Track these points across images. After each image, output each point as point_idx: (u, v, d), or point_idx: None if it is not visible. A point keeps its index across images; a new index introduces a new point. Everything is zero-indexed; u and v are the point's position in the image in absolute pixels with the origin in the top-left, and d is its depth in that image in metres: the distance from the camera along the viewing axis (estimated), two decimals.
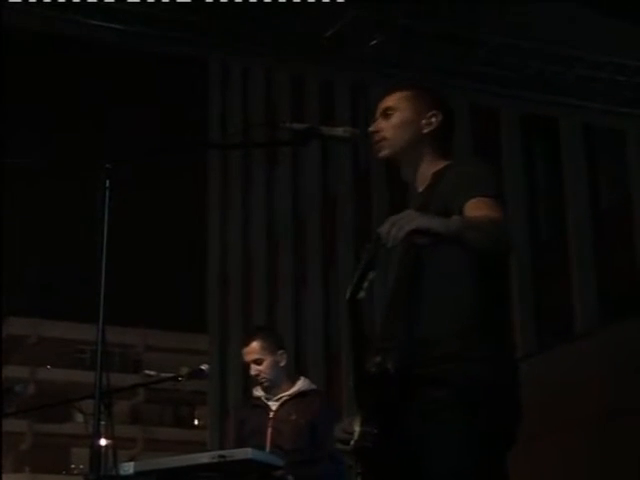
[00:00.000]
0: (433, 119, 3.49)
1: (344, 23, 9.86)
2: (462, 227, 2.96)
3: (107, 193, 3.54)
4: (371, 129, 3.50)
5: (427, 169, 3.46)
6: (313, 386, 5.83)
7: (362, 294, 3.01)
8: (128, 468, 4.93)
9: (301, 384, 5.74)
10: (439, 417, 3.13)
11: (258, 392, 5.78)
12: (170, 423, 55.18)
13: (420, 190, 3.46)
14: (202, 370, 5.72)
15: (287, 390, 5.70)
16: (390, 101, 3.53)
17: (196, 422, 54.76)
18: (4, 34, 9.93)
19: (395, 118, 3.48)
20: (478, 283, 3.23)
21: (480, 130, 20.25)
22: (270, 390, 5.71)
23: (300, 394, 5.69)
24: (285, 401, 5.67)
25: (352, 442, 3.15)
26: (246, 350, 5.74)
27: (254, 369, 5.69)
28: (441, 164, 3.45)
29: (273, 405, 5.68)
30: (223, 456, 4.85)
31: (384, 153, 3.48)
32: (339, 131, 3.48)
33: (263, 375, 5.67)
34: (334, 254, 25.42)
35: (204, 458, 4.95)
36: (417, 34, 10.08)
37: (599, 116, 11.75)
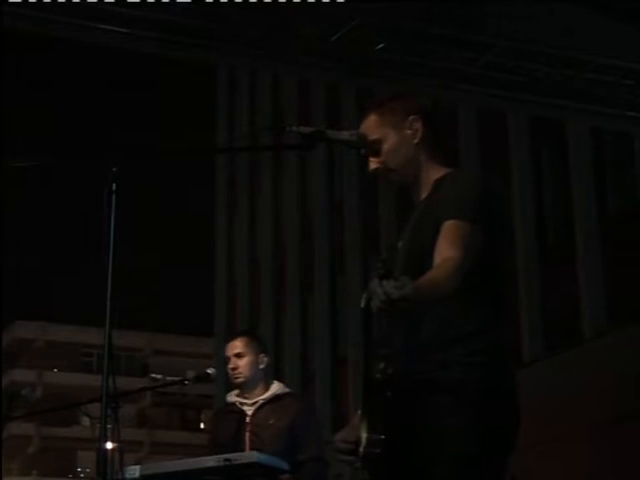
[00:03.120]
0: (415, 125, 3.47)
1: (350, 27, 9.86)
2: (418, 297, 2.91)
3: (114, 196, 3.54)
4: (371, 171, 3.53)
5: (428, 176, 3.45)
6: (287, 389, 5.82)
7: None
8: (134, 471, 4.94)
9: (276, 388, 5.75)
10: (444, 422, 3.14)
11: (232, 398, 5.78)
12: (176, 426, 55.21)
13: (422, 197, 3.46)
14: (208, 374, 5.73)
15: (262, 394, 5.69)
16: (369, 135, 3.49)
17: (202, 426, 54.75)
18: (8, 35, 9.95)
19: (384, 148, 3.47)
20: (477, 290, 3.24)
21: (488, 135, 20.23)
22: (243, 388, 5.72)
23: (275, 397, 5.69)
24: (261, 405, 5.66)
25: (360, 449, 3.15)
26: (230, 344, 5.79)
27: (233, 362, 5.71)
28: (442, 171, 3.44)
29: (249, 410, 5.67)
30: (228, 460, 4.86)
31: (397, 181, 3.50)
32: (345, 135, 3.47)
33: (240, 370, 5.69)
34: (341, 259, 25.43)
35: (210, 461, 4.96)
36: (424, 38, 10.07)
37: (606, 120, 11.73)
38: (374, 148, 3.48)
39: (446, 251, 3.14)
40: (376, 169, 3.50)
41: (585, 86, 10.64)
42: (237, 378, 5.70)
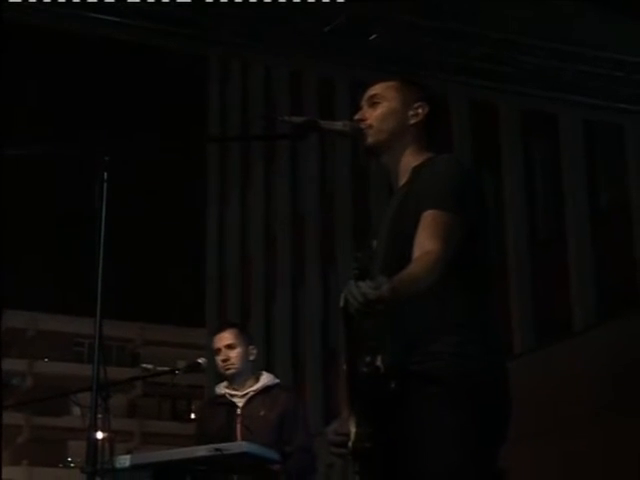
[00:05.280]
0: (419, 110, 3.47)
1: (343, 18, 9.85)
2: (396, 295, 2.91)
3: (105, 186, 3.54)
4: (357, 117, 3.47)
5: (409, 162, 3.43)
6: (277, 380, 5.81)
7: None
8: (125, 461, 4.93)
9: (265, 379, 5.74)
10: (432, 414, 3.14)
11: (221, 389, 5.77)
12: (167, 417, 55.22)
13: (400, 184, 3.43)
14: (199, 364, 5.72)
15: (252, 386, 5.68)
16: (377, 89, 3.51)
17: (193, 416, 54.76)
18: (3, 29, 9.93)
19: (381, 107, 3.46)
20: (467, 279, 3.23)
21: (479, 128, 20.24)
22: (233, 380, 5.70)
23: (266, 389, 5.69)
24: (252, 397, 5.65)
25: (349, 443, 3.14)
26: (220, 335, 5.77)
27: (224, 353, 5.69)
28: (422, 157, 3.42)
29: (239, 401, 5.66)
30: (219, 449, 4.87)
31: (368, 141, 3.45)
32: (338, 125, 3.47)
33: (232, 361, 5.67)
34: (332, 251, 25.42)
35: (200, 451, 4.97)
36: (416, 29, 10.07)
37: (597, 112, 11.74)
38: (373, 102, 3.47)
39: (426, 242, 3.11)
40: (360, 120, 3.45)
41: (576, 78, 10.64)
42: (229, 369, 5.68)
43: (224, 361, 5.68)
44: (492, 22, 10.07)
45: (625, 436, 12.26)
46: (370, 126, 3.44)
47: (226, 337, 5.74)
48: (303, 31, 10.08)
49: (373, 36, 10.08)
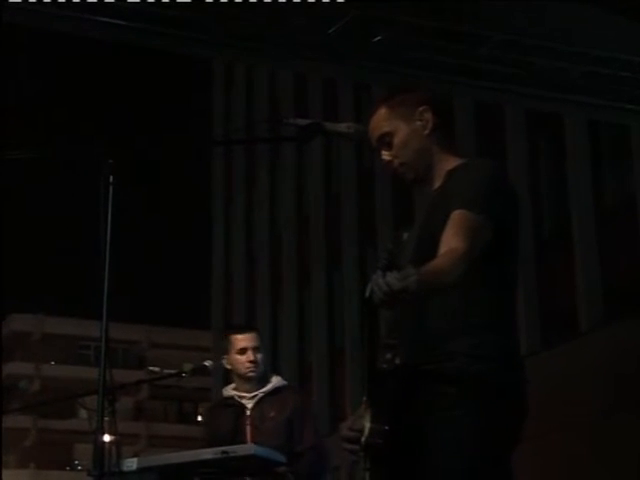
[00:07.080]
0: (425, 115, 3.44)
1: (347, 20, 9.84)
2: (420, 287, 2.91)
3: (110, 189, 3.54)
4: (384, 163, 3.46)
5: (441, 167, 3.42)
6: (286, 382, 5.82)
7: None
8: (131, 464, 4.93)
9: (275, 381, 5.73)
10: (448, 414, 3.15)
11: (229, 392, 5.76)
12: (174, 419, 55.30)
13: (435, 187, 3.43)
14: (205, 367, 5.71)
15: (261, 388, 5.68)
16: (380, 128, 3.46)
17: (199, 418, 54.82)
18: (4, 31, 9.93)
19: (396, 141, 3.43)
20: (488, 281, 3.24)
21: (485, 129, 20.22)
22: (245, 382, 5.69)
23: (275, 390, 5.68)
24: (261, 399, 5.65)
25: (362, 438, 3.15)
26: (248, 336, 5.75)
27: (252, 355, 5.66)
28: (455, 161, 3.42)
29: (248, 403, 5.65)
30: (226, 452, 4.87)
31: (411, 177, 3.45)
32: (342, 127, 3.46)
33: (259, 364, 5.67)
34: (338, 252, 25.42)
35: (207, 454, 4.97)
36: (420, 31, 10.06)
37: (603, 112, 11.72)
38: (385, 141, 3.44)
39: (451, 240, 3.11)
40: (389, 163, 3.45)
41: (582, 79, 10.63)
42: (253, 372, 5.66)
43: (251, 362, 5.65)
44: (496, 23, 10.06)
45: (631, 437, 12.25)
46: (402, 164, 3.44)
47: (253, 339, 5.73)
48: (307, 33, 10.07)
49: (377, 38, 10.07)
